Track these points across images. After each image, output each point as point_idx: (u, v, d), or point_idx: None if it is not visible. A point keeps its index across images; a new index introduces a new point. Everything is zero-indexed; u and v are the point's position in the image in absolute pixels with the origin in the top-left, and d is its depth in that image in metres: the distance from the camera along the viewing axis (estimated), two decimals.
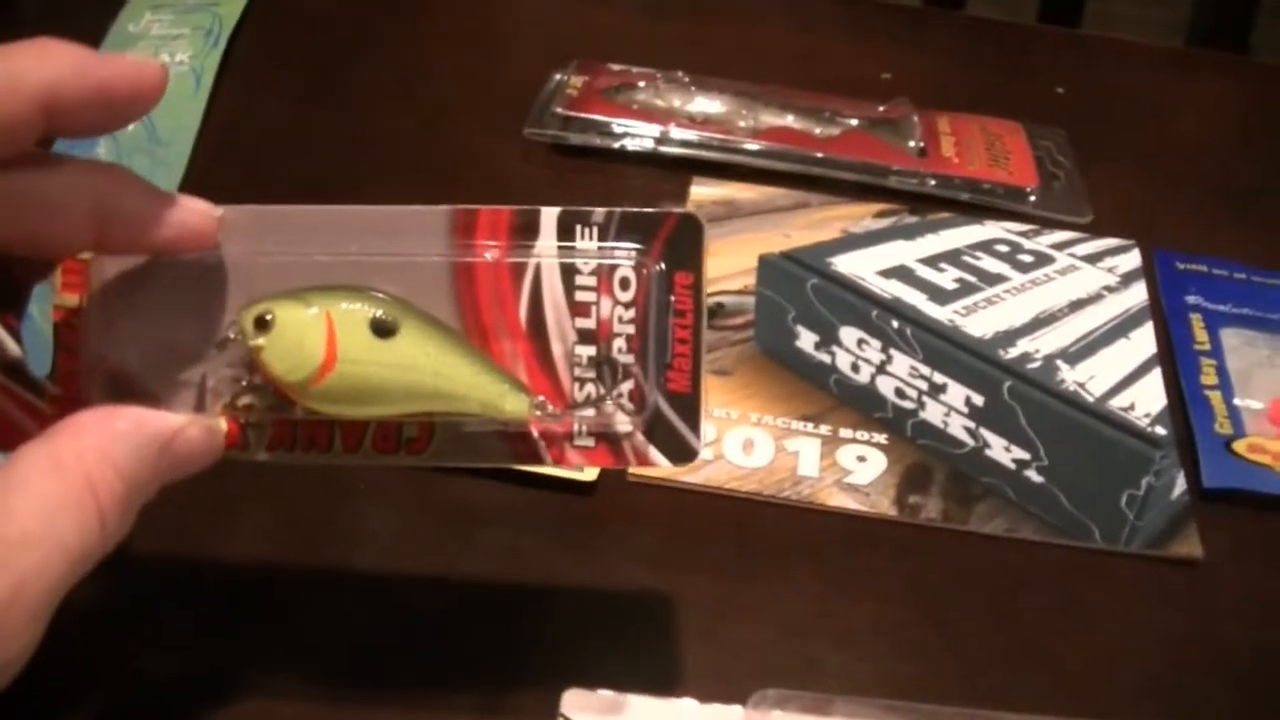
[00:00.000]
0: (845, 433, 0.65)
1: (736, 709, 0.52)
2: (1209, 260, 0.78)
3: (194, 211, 0.47)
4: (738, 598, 0.58)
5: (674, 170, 0.80)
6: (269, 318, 0.46)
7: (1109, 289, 0.75)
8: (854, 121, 0.81)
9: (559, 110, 0.81)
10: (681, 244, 0.48)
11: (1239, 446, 0.66)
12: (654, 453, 0.48)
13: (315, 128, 0.81)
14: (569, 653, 0.55)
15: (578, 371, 0.49)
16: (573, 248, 0.49)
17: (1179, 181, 0.85)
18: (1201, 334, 0.73)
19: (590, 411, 0.48)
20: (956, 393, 0.66)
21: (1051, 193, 0.80)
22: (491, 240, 0.49)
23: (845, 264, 0.73)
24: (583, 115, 0.80)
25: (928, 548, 0.61)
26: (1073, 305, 0.73)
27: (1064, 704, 0.54)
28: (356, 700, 0.53)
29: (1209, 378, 0.70)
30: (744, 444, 0.63)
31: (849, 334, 0.69)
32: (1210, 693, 0.57)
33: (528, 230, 0.49)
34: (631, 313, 0.48)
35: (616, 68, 0.84)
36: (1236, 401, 0.69)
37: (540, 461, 0.49)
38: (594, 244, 0.49)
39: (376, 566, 0.58)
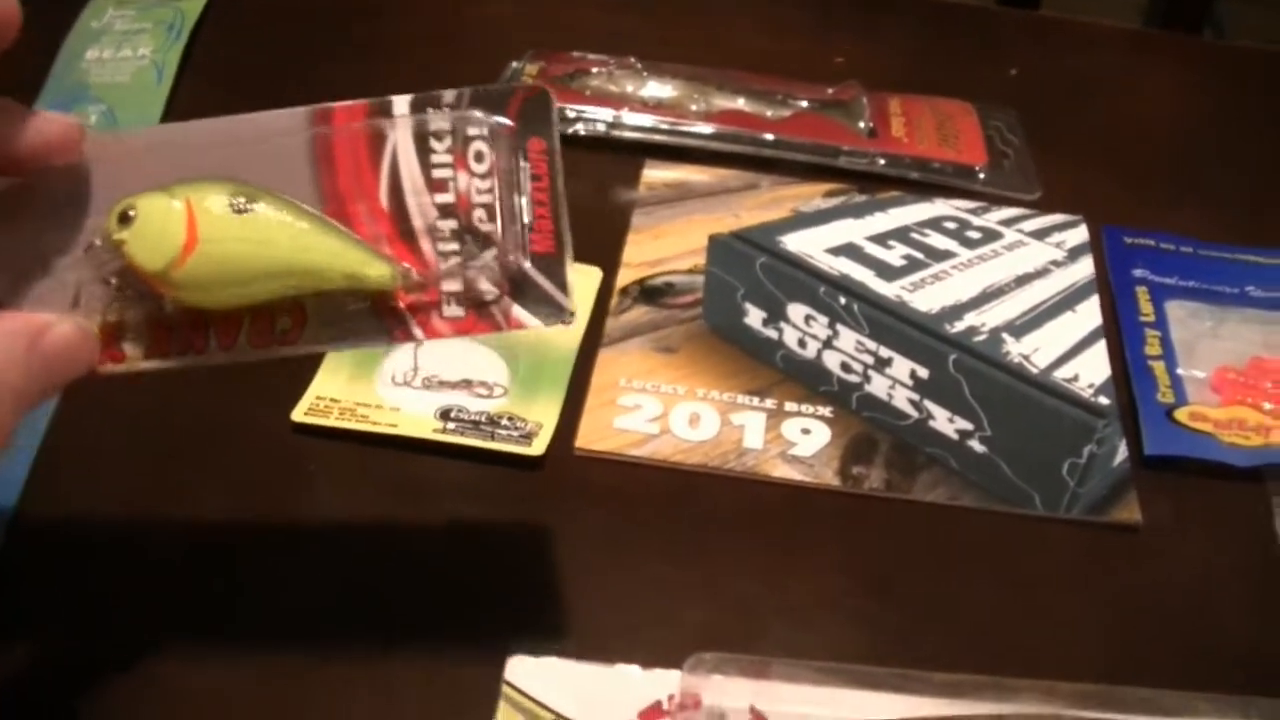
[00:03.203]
0: (790, 406, 0.65)
1: (675, 674, 0.52)
2: (1157, 235, 0.79)
3: (55, 122, 0.48)
4: (682, 569, 0.59)
5: (627, 154, 0.81)
6: (131, 212, 0.47)
7: (1056, 263, 0.76)
8: (804, 103, 0.82)
9: None
10: (533, 116, 0.49)
11: (1181, 415, 0.67)
12: (524, 314, 0.48)
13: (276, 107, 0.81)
14: (515, 622, 0.57)
15: (440, 245, 0.49)
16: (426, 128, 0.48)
17: (1130, 160, 0.86)
18: (1147, 306, 0.74)
19: (456, 282, 0.49)
20: (902, 366, 0.67)
21: (1001, 171, 0.81)
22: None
23: (794, 242, 0.74)
24: None
25: (871, 517, 0.62)
26: (1019, 280, 0.74)
27: (1005, 666, 0.55)
28: (302, 666, 0.55)
29: (1153, 348, 0.71)
30: (690, 418, 0.64)
31: (796, 310, 0.70)
32: (1148, 653, 0.59)
33: (383, 115, 0.49)
34: (489, 183, 0.49)
35: (574, 55, 0.84)
36: (1180, 371, 0.70)
37: (410, 336, 0.49)
38: (447, 124, 0.49)
39: (323, 538, 0.59)
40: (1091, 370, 0.69)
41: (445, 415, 0.62)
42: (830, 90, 0.83)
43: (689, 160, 0.81)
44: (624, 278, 0.72)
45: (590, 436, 0.62)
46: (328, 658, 0.55)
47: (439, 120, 0.49)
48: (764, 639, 0.56)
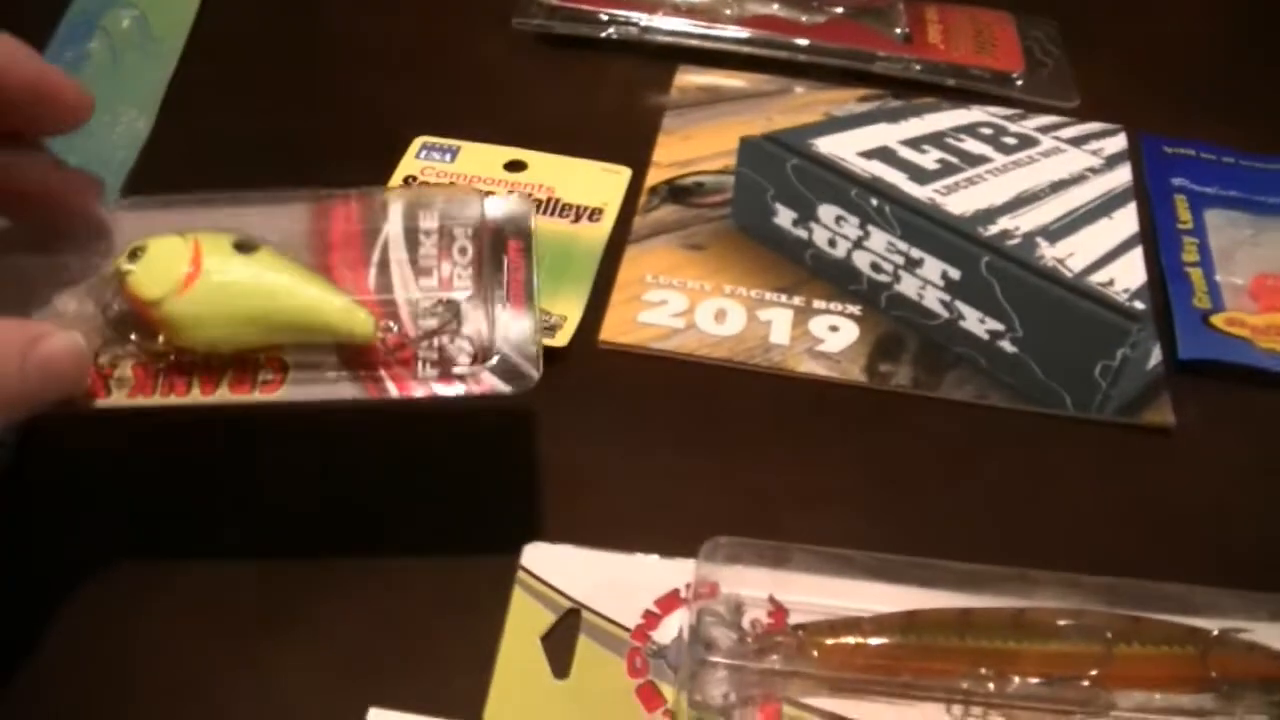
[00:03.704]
0: (818, 304, 0.65)
1: (692, 563, 0.52)
2: (1197, 145, 0.78)
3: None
4: (702, 460, 0.59)
5: (660, 58, 0.80)
6: (141, 249, 0.50)
7: (1093, 170, 0.74)
8: (839, 10, 0.81)
9: (545, 1, 0.80)
10: (513, 221, 0.56)
11: (1217, 320, 0.66)
12: (494, 380, 0.51)
13: (305, 26, 0.81)
14: (532, 511, 0.56)
15: (420, 321, 0.52)
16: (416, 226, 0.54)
17: (1171, 70, 0.85)
18: (1185, 214, 0.72)
19: (431, 351, 0.52)
20: (933, 267, 0.66)
21: (1039, 79, 0.80)
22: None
23: (826, 145, 0.74)
24: (569, 5, 0.80)
25: (897, 414, 0.62)
26: (1055, 186, 0.73)
27: (1029, 563, 0.54)
28: (313, 558, 0.55)
29: (1190, 255, 0.70)
30: (716, 314, 0.63)
31: (827, 211, 0.69)
32: (1177, 553, 0.58)
33: (379, 217, 0.54)
34: (470, 270, 0.53)
35: None
36: (1217, 278, 0.69)
37: (384, 391, 0.51)
38: (435, 223, 0.54)
39: (336, 429, 0.58)
40: (1127, 275, 0.68)
41: None
42: None
43: (722, 65, 0.79)
44: (653, 177, 0.71)
45: (614, 330, 0.62)
46: (339, 547, 0.55)
47: (428, 220, 0.54)
48: (783, 531, 0.55)
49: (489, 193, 0.55)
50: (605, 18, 0.80)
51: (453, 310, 0.52)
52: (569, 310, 0.62)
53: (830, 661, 0.49)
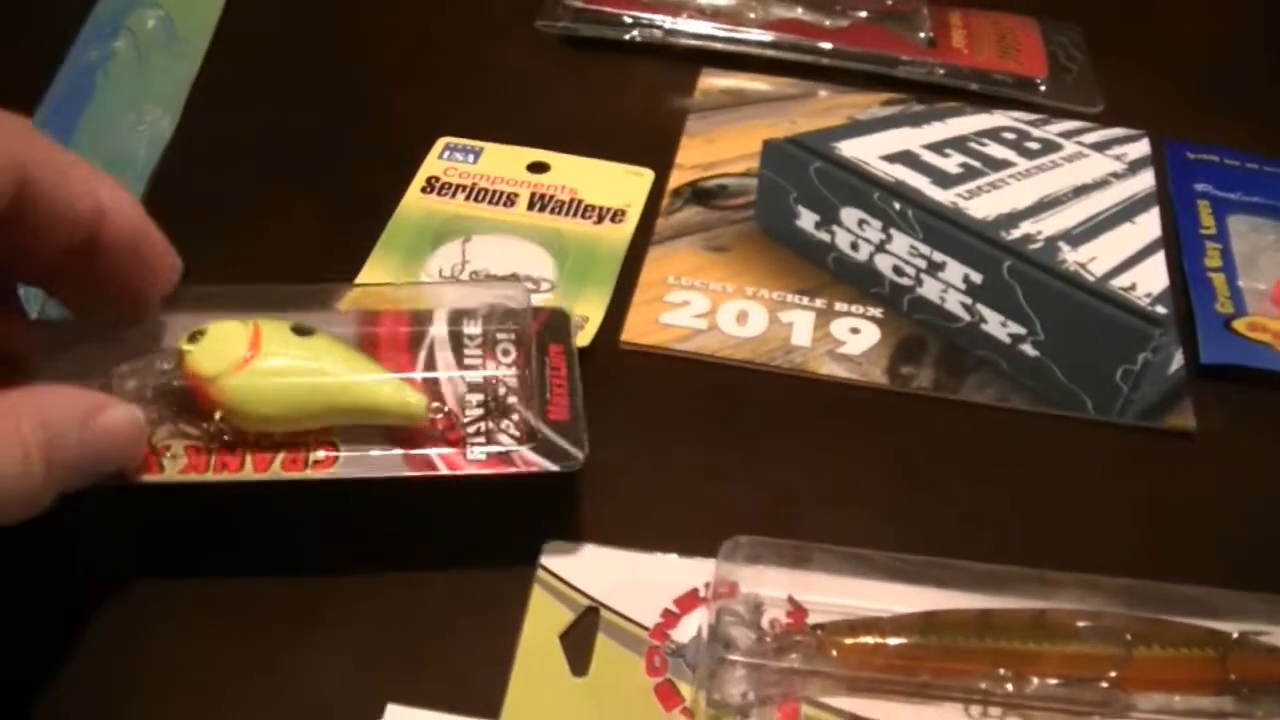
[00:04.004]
0: (840, 306, 0.65)
1: (712, 563, 0.52)
2: (1221, 150, 0.78)
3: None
4: (722, 461, 0.59)
5: (684, 61, 0.81)
6: (202, 332, 0.51)
7: (1116, 175, 0.75)
8: (863, 14, 0.81)
9: (570, 3, 0.80)
10: (554, 328, 0.57)
11: (1239, 325, 0.66)
12: (540, 459, 0.52)
13: (329, 27, 0.82)
14: (552, 509, 0.56)
15: (468, 413, 0.53)
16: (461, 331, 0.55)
17: (1195, 76, 0.85)
18: (1208, 220, 0.72)
19: (479, 437, 0.53)
20: (955, 271, 0.66)
21: (1063, 84, 0.80)
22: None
23: (849, 148, 0.74)
24: (593, 7, 0.81)
25: (918, 416, 0.62)
26: (1078, 190, 0.73)
27: (1046, 561, 0.54)
28: (340, 557, 0.55)
29: (1213, 260, 0.70)
30: (738, 315, 0.64)
31: (850, 214, 0.69)
32: (1199, 558, 0.58)
33: (423, 324, 0.55)
34: (513, 371, 0.54)
35: None
36: (1240, 283, 0.69)
37: (434, 467, 0.52)
38: (479, 330, 0.56)
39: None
40: (1149, 280, 0.68)
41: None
42: (890, 1, 0.81)
43: (745, 68, 0.79)
44: (676, 179, 0.71)
45: (636, 330, 0.62)
46: (359, 547, 0.55)
47: (472, 327, 0.56)
48: (803, 531, 0.55)
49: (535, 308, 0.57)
50: (629, 20, 0.80)
51: (496, 395, 0.54)
52: (591, 311, 0.62)
53: (849, 661, 0.49)
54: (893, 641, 0.50)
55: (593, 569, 0.54)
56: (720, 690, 0.49)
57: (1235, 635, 0.51)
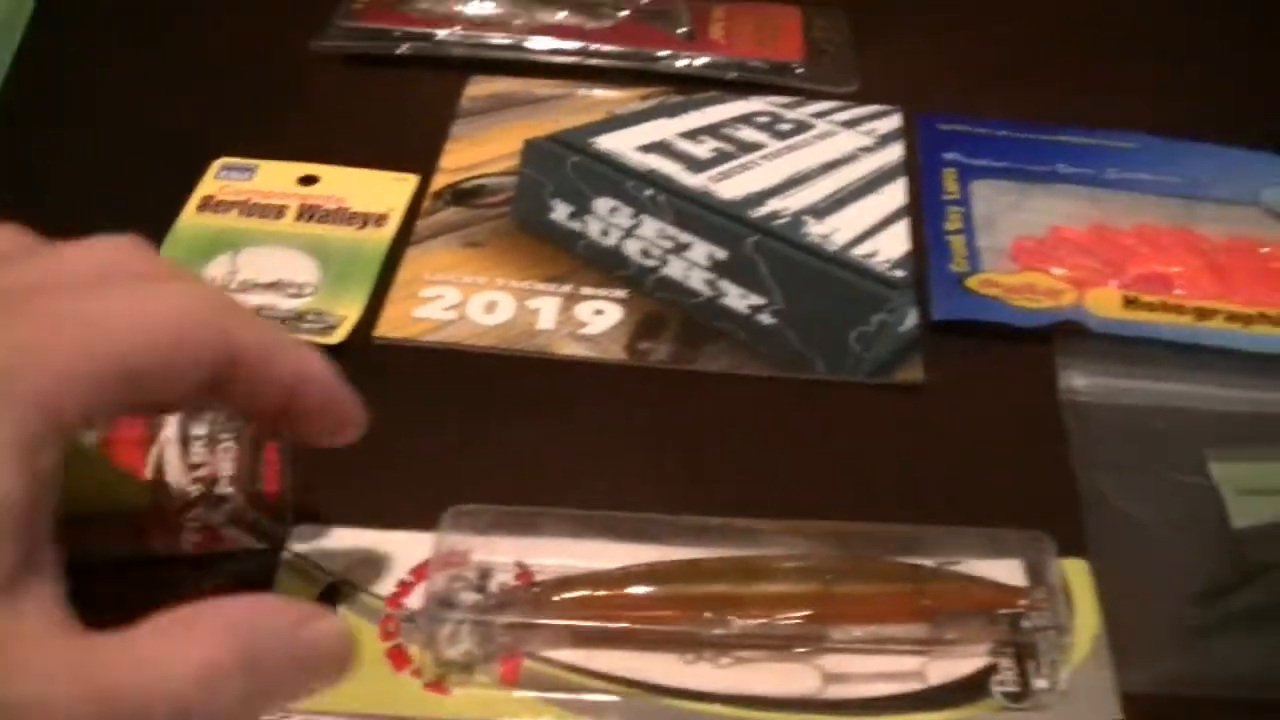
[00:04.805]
0: (586, 290, 0.68)
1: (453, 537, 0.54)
2: (972, 121, 0.81)
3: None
4: (467, 442, 0.62)
5: (453, 70, 0.84)
6: None
7: (865, 149, 0.78)
8: (625, 13, 0.84)
9: (343, 22, 0.84)
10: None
11: (972, 282, 0.70)
12: (244, 537, 0.55)
13: (108, 53, 0.88)
14: (301, 495, 0.58)
15: (187, 507, 0.55)
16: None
17: (953, 53, 0.89)
18: (953, 186, 0.76)
19: (195, 521, 0.55)
20: (700, 250, 0.70)
21: (819, 67, 0.83)
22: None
23: (606, 142, 0.77)
24: (366, 25, 0.84)
25: (655, 388, 0.65)
26: (826, 166, 0.77)
27: (779, 515, 0.58)
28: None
29: (954, 224, 0.73)
30: (487, 305, 0.67)
31: (602, 203, 0.73)
32: (919, 501, 0.61)
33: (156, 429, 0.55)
34: (232, 467, 0.55)
35: None
36: (979, 243, 0.72)
37: (153, 549, 0.55)
38: (205, 430, 0.56)
39: None
40: (890, 246, 0.72)
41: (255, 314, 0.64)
42: (645, 1, 0.85)
43: (513, 73, 0.83)
44: (439, 182, 0.75)
45: (389, 326, 0.65)
46: None
47: (198, 428, 0.56)
48: (546, 502, 0.58)
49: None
50: (400, 34, 0.82)
51: (218, 500, 0.56)
52: (349, 310, 0.65)
53: (565, 614, 0.52)
54: (604, 593, 0.53)
55: (336, 548, 0.56)
56: (445, 649, 0.52)
57: (932, 567, 0.55)
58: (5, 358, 0.37)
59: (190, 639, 0.38)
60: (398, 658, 0.53)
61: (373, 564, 0.56)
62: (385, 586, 0.55)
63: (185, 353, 0.41)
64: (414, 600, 0.55)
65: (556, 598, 0.53)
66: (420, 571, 0.55)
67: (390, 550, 0.56)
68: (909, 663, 0.53)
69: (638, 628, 0.53)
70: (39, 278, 0.43)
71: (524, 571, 0.55)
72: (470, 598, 0.53)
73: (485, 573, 0.55)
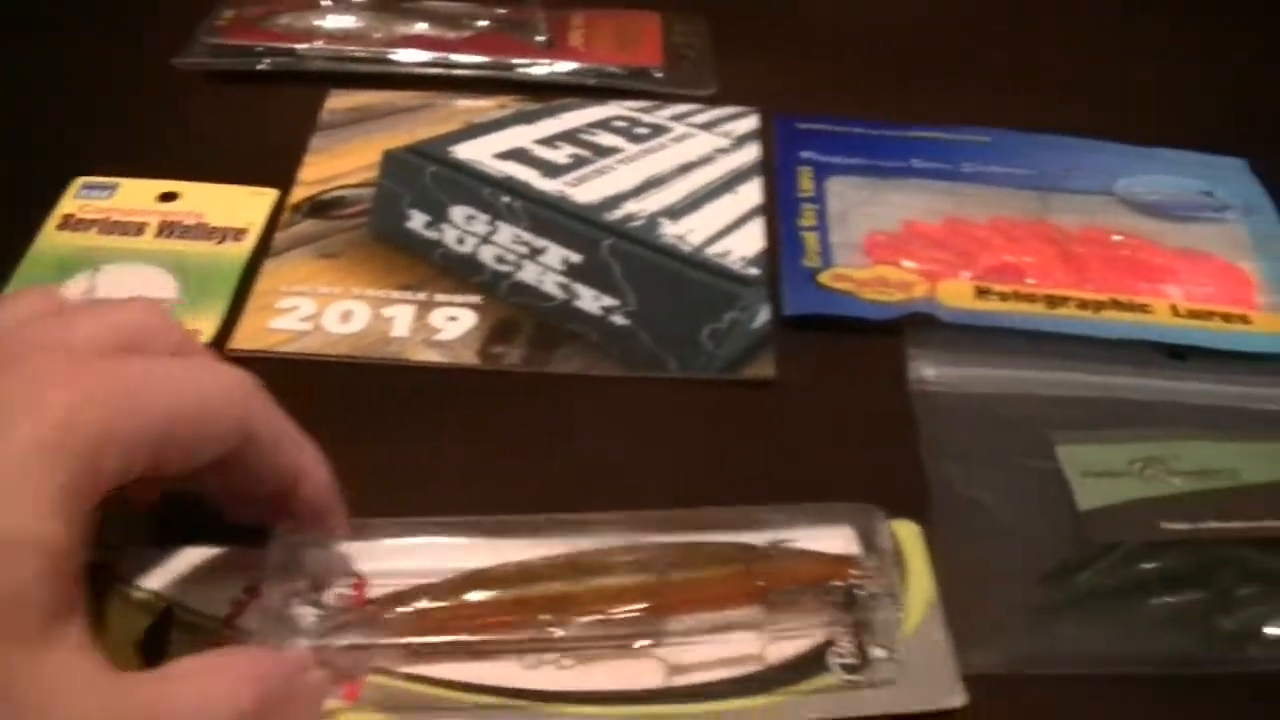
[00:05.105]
0: (441, 297, 0.69)
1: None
2: (830, 120, 0.83)
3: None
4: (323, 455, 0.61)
5: (315, 85, 0.85)
6: None
7: (721, 151, 0.79)
8: (483, 23, 0.85)
9: (207, 40, 0.84)
10: None
11: (824, 277, 0.71)
12: None
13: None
14: (131, 516, 0.56)
15: None
16: None
17: (813, 55, 0.90)
18: (808, 184, 0.77)
19: None
20: (555, 254, 0.71)
21: (678, 71, 0.85)
22: None
23: (464, 151, 0.78)
24: (229, 42, 0.84)
25: (507, 392, 0.66)
26: (683, 168, 0.78)
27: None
28: None
29: (808, 220, 0.75)
30: (342, 315, 0.67)
31: (459, 211, 0.73)
32: (767, 492, 0.61)
33: None
34: None
35: None
36: (832, 239, 0.73)
37: None
38: None
39: None
40: (745, 244, 0.73)
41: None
42: (509, 9, 0.85)
43: (374, 86, 0.83)
44: (297, 195, 0.75)
45: (245, 338, 0.66)
46: None
47: None
48: (395, 509, 0.58)
49: None
50: (261, 50, 0.83)
51: None
52: (206, 324, 0.66)
53: (402, 630, 0.52)
54: (439, 605, 0.53)
55: (167, 571, 0.55)
56: None
57: (764, 547, 0.55)
58: (65, 413, 0.41)
59: (222, 687, 0.42)
60: None
61: (206, 582, 0.55)
62: (218, 606, 0.54)
63: (209, 426, 0.46)
64: (249, 619, 0.54)
65: (390, 615, 0.53)
66: (255, 589, 0.54)
67: (220, 568, 0.56)
68: (748, 646, 0.54)
69: (476, 639, 0.53)
70: (72, 335, 0.47)
71: (360, 581, 0.55)
72: (308, 613, 0.53)
73: (320, 585, 0.54)
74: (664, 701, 0.52)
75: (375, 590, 0.54)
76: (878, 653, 0.52)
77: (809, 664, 0.52)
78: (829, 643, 0.52)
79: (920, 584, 0.56)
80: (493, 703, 0.52)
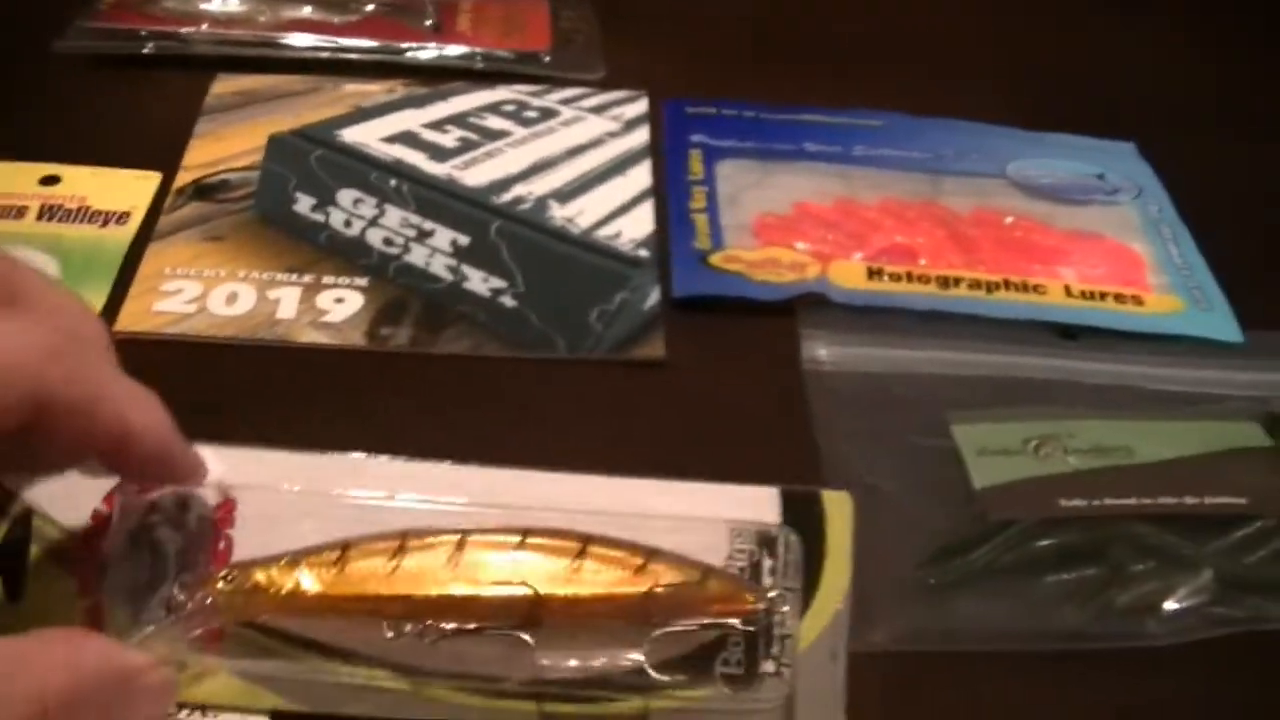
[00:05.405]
0: (328, 279, 0.68)
1: None
2: (720, 104, 0.83)
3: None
4: (199, 430, 0.59)
5: (200, 69, 0.84)
6: None
7: (611, 134, 0.79)
8: (371, 7, 0.84)
9: (89, 24, 0.83)
10: None
11: (715, 259, 0.71)
12: None
13: None
14: None
15: None
16: None
17: (701, 38, 0.91)
18: (698, 167, 0.77)
19: None
20: (444, 236, 0.70)
21: (567, 55, 0.84)
22: None
23: (351, 135, 0.77)
24: (113, 26, 0.83)
25: (393, 373, 0.65)
26: (572, 151, 0.77)
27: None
28: None
29: (698, 203, 0.75)
30: (228, 297, 0.67)
31: (346, 195, 0.73)
32: (672, 473, 0.59)
33: None
34: None
35: None
36: (722, 221, 0.73)
37: None
38: None
39: None
40: (634, 227, 0.73)
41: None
42: None
43: (260, 70, 0.82)
44: (182, 179, 0.74)
45: (129, 320, 0.65)
46: None
47: None
48: None
49: None
50: (145, 34, 0.82)
51: None
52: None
53: (257, 627, 0.50)
54: (304, 587, 0.50)
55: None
56: (148, 649, 0.48)
57: (662, 566, 0.51)
58: None
59: (29, 671, 0.39)
60: (96, 617, 0.50)
61: (64, 494, 0.52)
62: (76, 517, 0.52)
63: None
64: (110, 542, 0.52)
65: (248, 601, 0.50)
66: (111, 498, 0.52)
67: (80, 479, 0.51)
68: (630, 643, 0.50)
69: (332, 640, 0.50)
70: None
71: (227, 499, 0.53)
72: (168, 535, 0.52)
73: (183, 502, 0.53)
74: (536, 699, 0.49)
75: (242, 509, 0.52)
76: (767, 666, 0.48)
77: (693, 667, 0.48)
78: (721, 640, 0.49)
79: (836, 572, 0.53)
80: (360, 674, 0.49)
